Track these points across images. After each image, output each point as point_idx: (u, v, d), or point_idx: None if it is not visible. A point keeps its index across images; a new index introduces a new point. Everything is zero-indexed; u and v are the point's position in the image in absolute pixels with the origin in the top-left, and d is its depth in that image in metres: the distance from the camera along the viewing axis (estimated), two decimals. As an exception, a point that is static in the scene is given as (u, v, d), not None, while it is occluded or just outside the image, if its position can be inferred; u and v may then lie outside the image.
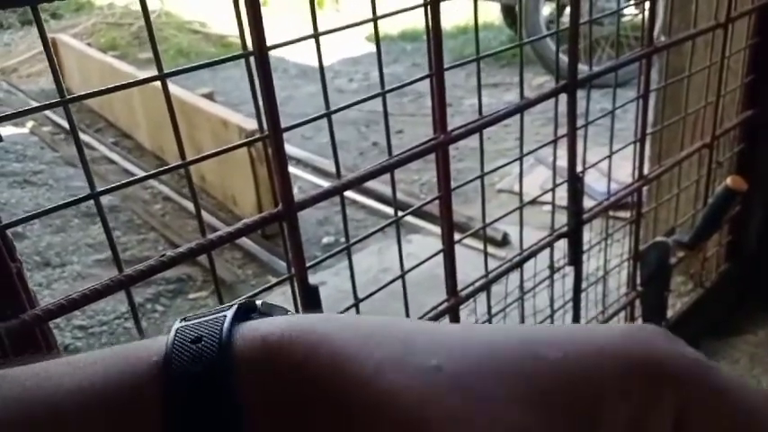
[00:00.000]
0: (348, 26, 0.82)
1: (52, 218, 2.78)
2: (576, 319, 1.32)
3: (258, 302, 0.28)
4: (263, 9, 0.70)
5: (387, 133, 0.90)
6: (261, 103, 0.74)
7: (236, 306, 0.26)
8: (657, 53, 1.24)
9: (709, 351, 1.76)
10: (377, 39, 0.85)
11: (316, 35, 0.76)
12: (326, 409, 0.22)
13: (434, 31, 0.86)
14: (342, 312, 0.93)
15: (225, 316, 0.25)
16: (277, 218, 0.78)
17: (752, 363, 1.71)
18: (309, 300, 0.83)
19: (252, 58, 0.70)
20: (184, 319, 0.26)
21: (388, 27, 6.05)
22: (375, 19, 0.82)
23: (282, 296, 2.22)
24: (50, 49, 0.63)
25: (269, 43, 0.70)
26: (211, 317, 0.26)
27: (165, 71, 0.66)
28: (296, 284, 0.83)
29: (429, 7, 0.85)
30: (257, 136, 0.75)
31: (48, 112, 4.19)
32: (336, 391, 0.22)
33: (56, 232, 2.70)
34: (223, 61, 0.69)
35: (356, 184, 0.86)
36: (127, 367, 0.24)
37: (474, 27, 0.96)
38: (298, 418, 0.23)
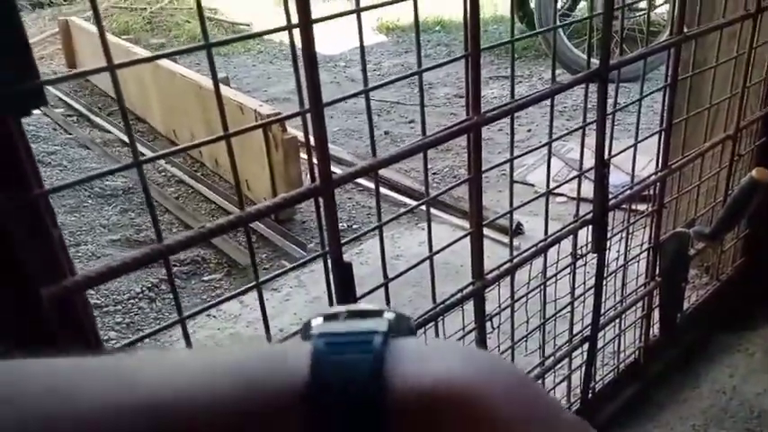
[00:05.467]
0: (387, 3, 0.82)
1: (66, 198, 2.79)
2: (597, 306, 1.32)
3: (389, 315, 0.27)
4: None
5: (422, 112, 0.90)
6: (303, 78, 0.74)
7: (383, 331, 0.26)
8: (687, 42, 1.24)
9: (724, 345, 1.77)
10: (416, 20, 0.85)
11: (357, 10, 0.76)
12: None
13: (472, 11, 0.86)
14: (368, 293, 0.93)
15: (374, 344, 0.25)
16: (315, 193, 0.78)
17: (767, 357, 1.71)
18: (343, 277, 0.84)
19: (297, 31, 0.70)
20: (321, 318, 0.26)
21: (398, 18, 6.04)
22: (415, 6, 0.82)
23: (311, 274, 2.22)
24: (100, 20, 0.63)
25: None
26: (357, 337, 0.25)
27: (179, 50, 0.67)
28: (330, 262, 0.84)
29: (468, -13, 0.85)
30: (299, 110, 0.75)
31: (60, 94, 4.19)
32: None
33: (69, 212, 2.71)
34: (270, 32, 0.69)
35: (391, 162, 0.87)
36: (268, 393, 0.24)
37: (488, 19, 0.95)
38: None
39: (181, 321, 0.75)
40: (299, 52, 0.72)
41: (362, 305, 0.29)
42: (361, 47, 0.79)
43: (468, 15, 0.87)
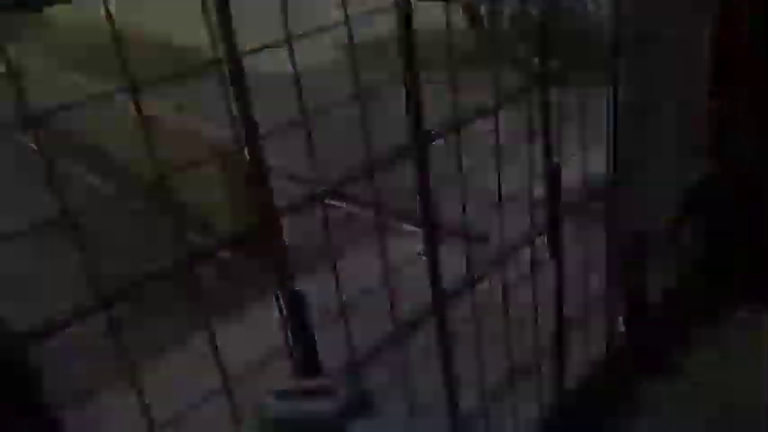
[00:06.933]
0: (321, 31, 0.82)
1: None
2: (560, 311, 1.33)
3: (342, 392, 0.27)
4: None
5: (366, 138, 0.90)
6: (235, 111, 0.73)
7: (333, 413, 0.25)
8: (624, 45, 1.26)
9: (693, 339, 1.79)
10: (351, 42, 0.85)
11: (289, 40, 0.76)
12: None
13: (406, 38, 0.87)
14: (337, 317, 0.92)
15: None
16: (260, 227, 0.77)
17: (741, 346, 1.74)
18: (296, 307, 0.83)
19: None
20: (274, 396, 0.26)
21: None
22: (348, 28, 0.82)
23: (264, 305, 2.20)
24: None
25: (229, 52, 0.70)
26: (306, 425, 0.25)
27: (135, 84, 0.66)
28: (281, 292, 0.83)
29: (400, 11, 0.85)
30: (234, 147, 0.74)
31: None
32: None
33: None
34: (194, 72, 0.69)
35: (334, 189, 0.86)
36: None
37: (435, 31, 0.96)
38: None
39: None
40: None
41: (317, 381, 0.29)
42: (295, 74, 0.79)
43: (405, 41, 0.87)
